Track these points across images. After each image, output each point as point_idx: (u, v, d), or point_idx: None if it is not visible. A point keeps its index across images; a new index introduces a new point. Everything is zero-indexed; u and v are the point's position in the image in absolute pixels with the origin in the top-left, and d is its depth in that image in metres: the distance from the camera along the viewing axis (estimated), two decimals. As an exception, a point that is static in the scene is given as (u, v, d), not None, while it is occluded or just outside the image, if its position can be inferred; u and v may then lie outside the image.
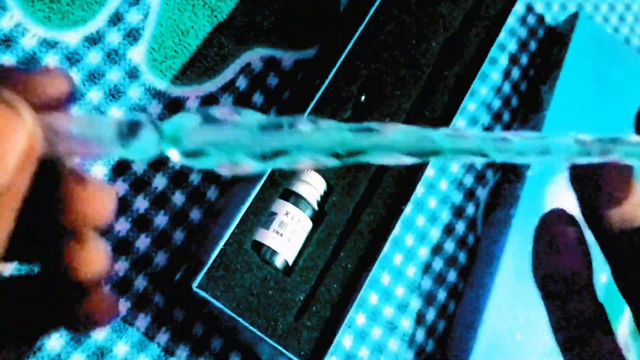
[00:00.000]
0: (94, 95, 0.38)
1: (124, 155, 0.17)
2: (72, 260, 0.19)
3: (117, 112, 0.39)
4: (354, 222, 0.41)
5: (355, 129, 0.17)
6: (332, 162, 0.18)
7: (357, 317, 0.44)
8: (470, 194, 0.51)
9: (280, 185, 0.39)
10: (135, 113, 0.39)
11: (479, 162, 0.21)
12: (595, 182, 0.21)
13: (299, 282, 0.38)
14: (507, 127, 0.54)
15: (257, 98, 0.44)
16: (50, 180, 0.18)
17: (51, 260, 0.20)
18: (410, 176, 0.42)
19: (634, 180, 0.21)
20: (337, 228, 0.40)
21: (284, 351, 0.36)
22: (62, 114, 0.17)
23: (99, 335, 0.36)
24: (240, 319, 0.35)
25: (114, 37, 0.40)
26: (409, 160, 0.18)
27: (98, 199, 0.19)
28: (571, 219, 0.22)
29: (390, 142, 0.18)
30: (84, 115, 0.17)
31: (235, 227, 0.36)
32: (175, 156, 0.17)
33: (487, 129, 0.53)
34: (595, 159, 0.19)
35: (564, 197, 0.51)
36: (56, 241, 0.19)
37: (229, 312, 0.35)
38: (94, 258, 0.19)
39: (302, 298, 0.38)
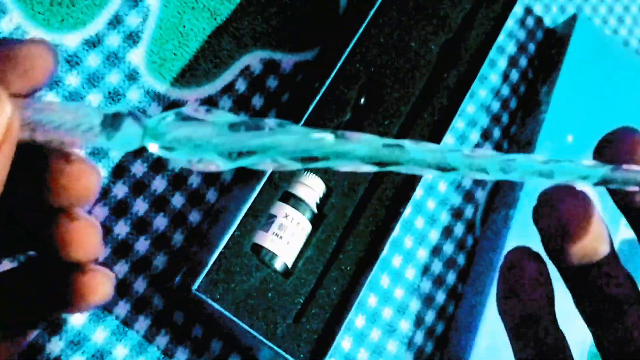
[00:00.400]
0: (94, 98, 0.38)
1: (106, 146, 0.17)
2: (63, 239, 0.19)
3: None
4: (353, 224, 0.41)
5: (320, 134, 0.18)
6: (296, 166, 0.18)
7: (356, 319, 0.44)
8: (469, 196, 0.51)
9: (280, 188, 0.39)
10: (119, 106, 0.39)
11: (445, 176, 0.22)
12: (556, 218, 0.21)
13: (298, 285, 0.38)
14: (505, 129, 0.54)
15: (257, 101, 0.44)
16: (35, 162, 0.18)
17: (44, 244, 0.20)
18: (409, 178, 0.43)
19: (593, 213, 0.21)
20: (336, 230, 0.40)
21: (283, 354, 0.36)
22: (46, 102, 0.17)
23: (99, 337, 0.36)
24: (239, 322, 0.35)
25: (114, 40, 0.40)
26: (370, 169, 0.18)
27: (83, 174, 0.19)
28: (533, 255, 0.23)
29: (354, 149, 0.18)
30: (68, 104, 0.17)
31: (235, 230, 0.36)
32: (154, 149, 0.18)
33: (486, 131, 0.53)
34: (556, 181, 0.19)
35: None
36: (46, 223, 0.19)
37: (229, 315, 0.35)
38: (84, 234, 0.19)
39: (301, 300, 0.38)
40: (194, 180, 0.41)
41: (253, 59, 0.44)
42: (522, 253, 0.23)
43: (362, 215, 0.41)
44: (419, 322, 0.47)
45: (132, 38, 0.40)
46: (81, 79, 0.38)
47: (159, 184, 0.39)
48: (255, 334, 0.35)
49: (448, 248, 0.49)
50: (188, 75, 0.42)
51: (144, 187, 0.39)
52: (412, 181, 0.42)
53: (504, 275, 0.23)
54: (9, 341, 0.21)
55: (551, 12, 0.60)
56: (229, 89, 0.43)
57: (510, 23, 0.57)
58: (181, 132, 0.17)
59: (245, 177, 0.40)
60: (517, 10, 0.58)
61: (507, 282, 0.23)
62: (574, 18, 0.56)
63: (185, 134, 0.17)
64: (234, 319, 0.35)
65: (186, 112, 0.18)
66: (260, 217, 0.38)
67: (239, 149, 0.17)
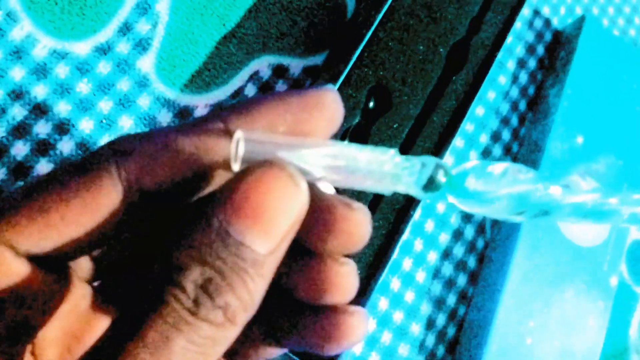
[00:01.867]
0: (104, 105, 0.39)
1: (415, 195, 0.17)
2: (329, 282, 0.19)
3: (127, 121, 0.39)
4: (363, 228, 0.41)
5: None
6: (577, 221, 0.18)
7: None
8: (479, 199, 0.51)
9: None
10: (131, 112, 0.40)
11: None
12: None
13: (309, 289, 0.38)
14: (515, 131, 0.54)
15: (266, 105, 0.44)
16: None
17: (298, 287, 0.19)
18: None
19: None
20: (346, 234, 0.40)
21: (295, 358, 0.36)
22: (344, 146, 0.17)
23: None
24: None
25: (124, 47, 0.40)
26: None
27: (365, 221, 0.18)
28: None
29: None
30: (367, 150, 0.17)
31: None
32: (454, 202, 0.18)
33: (496, 133, 0.53)
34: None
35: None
36: (305, 266, 0.19)
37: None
38: (351, 277, 0.19)
39: (312, 304, 0.38)
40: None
41: (262, 64, 0.44)
42: None
43: (372, 218, 0.41)
44: (430, 325, 0.47)
45: (142, 45, 0.41)
46: (92, 86, 0.39)
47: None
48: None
49: (458, 251, 0.49)
50: (198, 81, 0.42)
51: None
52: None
53: None
54: None
55: (559, 13, 0.60)
56: (238, 94, 0.43)
57: (519, 25, 0.57)
58: (478, 186, 0.17)
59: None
60: (525, 12, 0.58)
61: None
62: (582, 19, 0.56)
63: (481, 189, 0.17)
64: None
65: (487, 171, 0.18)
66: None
67: (540, 209, 0.18)
